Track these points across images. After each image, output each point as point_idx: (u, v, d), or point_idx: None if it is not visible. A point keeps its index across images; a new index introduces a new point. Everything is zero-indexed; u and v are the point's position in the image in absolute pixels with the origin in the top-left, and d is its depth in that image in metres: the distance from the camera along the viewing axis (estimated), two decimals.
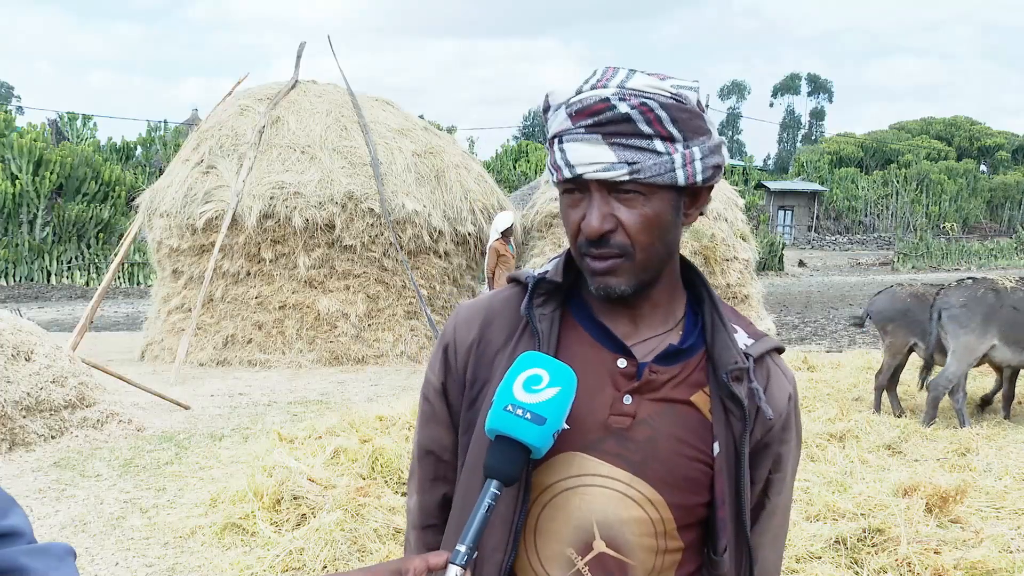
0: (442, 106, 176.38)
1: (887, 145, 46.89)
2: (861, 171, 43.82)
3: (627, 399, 1.12)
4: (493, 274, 9.25)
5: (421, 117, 13.22)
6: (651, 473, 1.11)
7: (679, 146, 1.07)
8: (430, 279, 10.48)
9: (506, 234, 9.40)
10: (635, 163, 1.05)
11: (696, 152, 1.08)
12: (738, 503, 1.15)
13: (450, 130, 33.90)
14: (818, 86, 74.61)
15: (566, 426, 1.05)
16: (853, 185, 40.99)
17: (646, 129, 1.05)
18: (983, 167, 48.19)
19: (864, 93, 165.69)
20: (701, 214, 1.18)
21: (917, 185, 40.55)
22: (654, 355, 1.15)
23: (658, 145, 1.06)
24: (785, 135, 73.34)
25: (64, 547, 0.91)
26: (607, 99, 1.05)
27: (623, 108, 1.04)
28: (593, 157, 1.06)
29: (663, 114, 1.05)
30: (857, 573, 3.56)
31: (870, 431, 5.93)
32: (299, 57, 11.68)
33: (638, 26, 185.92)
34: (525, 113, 70.27)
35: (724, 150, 1.13)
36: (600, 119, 1.05)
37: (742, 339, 1.18)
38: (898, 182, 40.44)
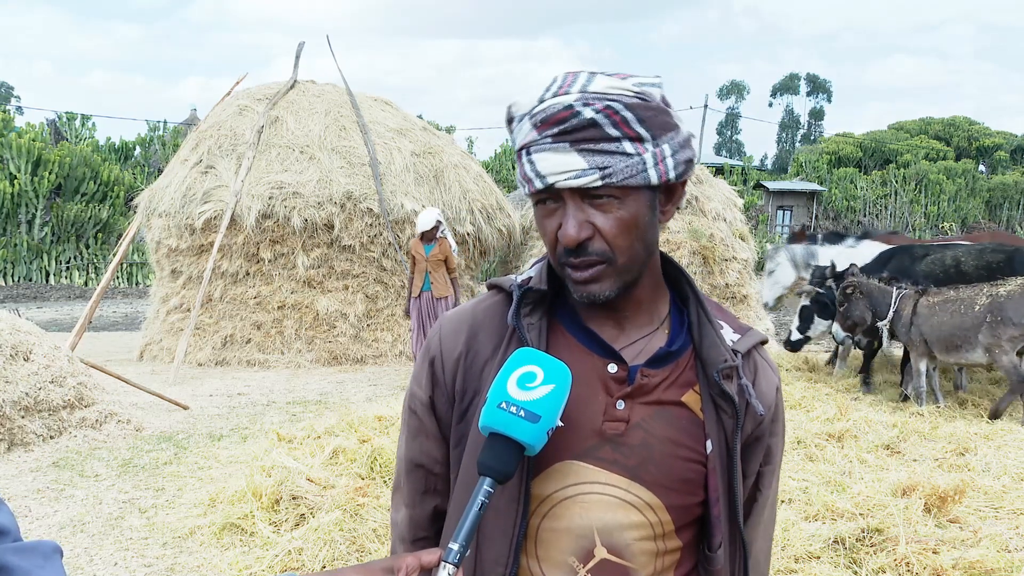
0: (441, 106, 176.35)
1: (886, 145, 46.84)
2: (860, 171, 43.77)
3: (620, 404, 1.12)
4: (411, 275, 8.14)
5: (420, 117, 13.21)
6: (647, 477, 1.11)
7: (648, 145, 1.05)
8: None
9: (427, 235, 7.99)
10: (606, 167, 1.04)
11: (666, 149, 1.07)
12: (731, 499, 1.15)
13: (449, 130, 33.85)
14: (817, 86, 74.58)
15: (560, 423, 1.05)
16: (852, 185, 40.97)
17: (613, 132, 1.04)
18: (982, 167, 48.18)
19: (863, 93, 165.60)
20: (678, 208, 1.17)
21: (916, 185, 40.55)
22: (643, 357, 1.14)
23: (627, 147, 1.04)
24: (784, 135, 73.29)
25: (51, 545, 0.91)
26: (571, 106, 1.04)
27: (588, 113, 1.03)
28: (563, 165, 1.04)
29: (629, 115, 1.04)
30: (856, 573, 3.56)
31: (868, 431, 5.94)
32: (298, 57, 11.68)
33: (638, 26, 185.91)
34: None
35: (693, 143, 1.12)
36: (566, 127, 1.04)
37: (728, 334, 1.17)
38: (897, 182, 40.43)
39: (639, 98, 1.05)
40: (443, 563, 0.95)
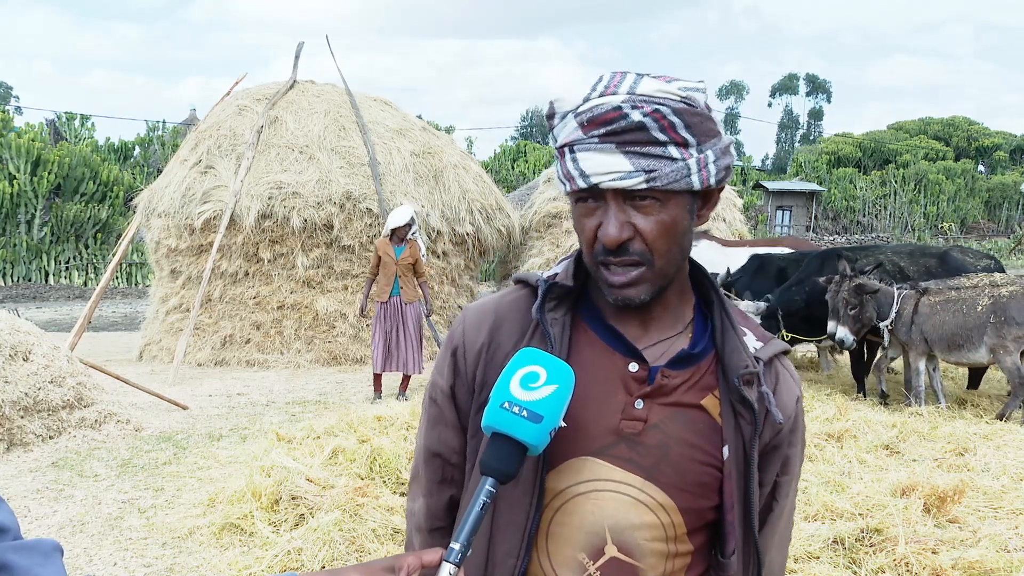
0: (441, 106, 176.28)
1: (885, 145, 46.86)
2: (859, 171, 43.80)
3: (639, 404, 1.13)
4: (374, 275, 7.68)
5: (419, 117, 13.22)
6: (662, 478, 1.12)
7: (693, 151, 1.06)
8: (428, 279, 10.51)
9: (397, 232, 7.61)
10: (652, 171, 1.05)
11: (709, 155, 1.08)
12: (747, 506, 1.15)
13: (448, 130, 33.87)
14: (816, 86, 74.55)
15: (563, 424, 1.05)
16: (851, 185, 40.99)
17: (661, 136, 1.04)
18: (981, 167, 48.20)
19: (862, 93, 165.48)
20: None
21: (915, 185, 40.57)
22: (665, 359, 1.15)
23: (673, 151, 1.05)
24: (783, 135, 73.27)
25: (51, 543, 0.91)
26: (619, 107, 1.04)
27: (636, 116, 1.04)
28: (609, 166, 1.05)
29: (676, 120, 1.05)
30: (855, 573, 3.56)
31: (868, 431, 5.93)
32: (297, 57, 11.69)
33: (638, 26, 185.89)
34: (523, 113, 70.28)
35: (732, 150, 1.13)
36: (614, 128, 1.04)
37: (751, 342, 1.18)
38: (896, 182, 40.44)
39: (685, 103, 1.06)
40: (444, 562, 0.95)
